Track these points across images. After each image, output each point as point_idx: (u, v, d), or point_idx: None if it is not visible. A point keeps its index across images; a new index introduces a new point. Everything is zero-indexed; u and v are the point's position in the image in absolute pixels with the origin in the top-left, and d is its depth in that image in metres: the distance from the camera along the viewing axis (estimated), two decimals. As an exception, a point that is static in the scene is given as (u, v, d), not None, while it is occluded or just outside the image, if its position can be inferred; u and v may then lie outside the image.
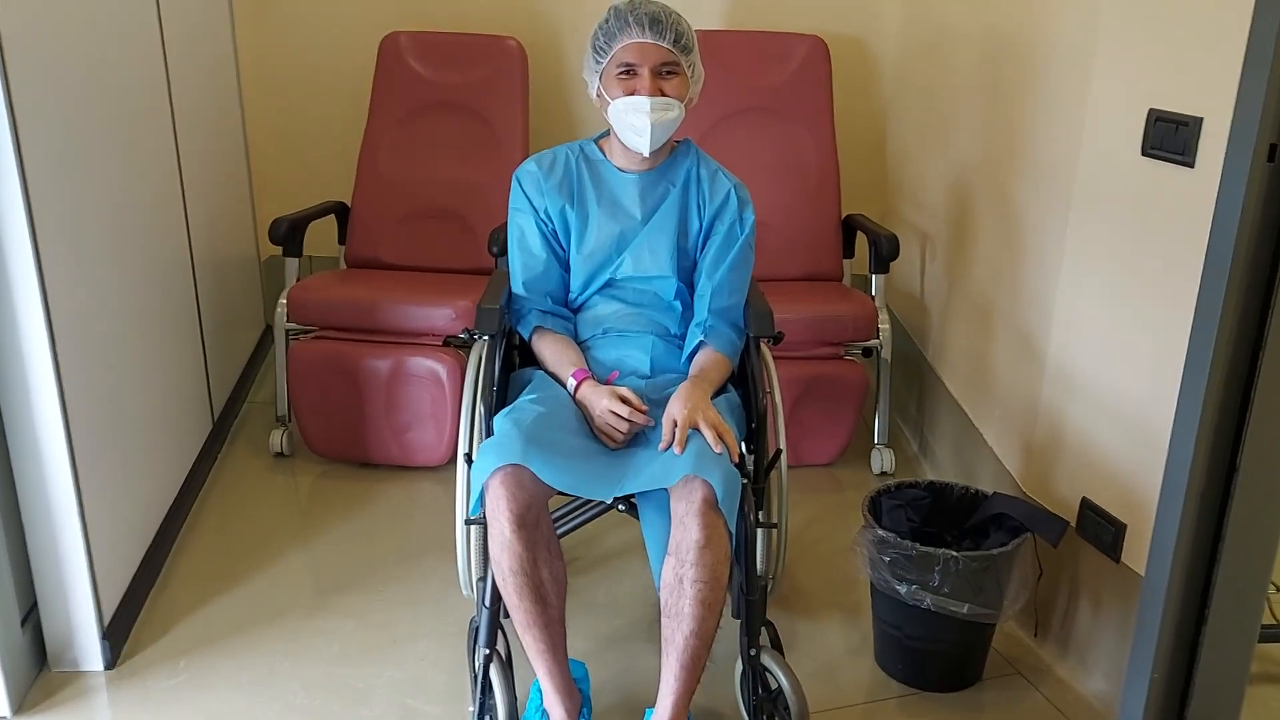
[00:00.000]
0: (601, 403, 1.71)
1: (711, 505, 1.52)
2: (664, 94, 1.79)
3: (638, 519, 1.76)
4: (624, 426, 1.70)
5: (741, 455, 1.72)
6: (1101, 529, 1.88)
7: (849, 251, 2.98)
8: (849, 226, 2.95)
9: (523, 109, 3.00)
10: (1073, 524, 1.95)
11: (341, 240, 3.00)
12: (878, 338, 2.68)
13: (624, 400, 1.70)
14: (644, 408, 1.71)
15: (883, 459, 2.73)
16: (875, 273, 2.77)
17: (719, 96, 2.92)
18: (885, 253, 2.72)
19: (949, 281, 2.69)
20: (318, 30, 3.23)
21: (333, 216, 2.96)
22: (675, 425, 1.63)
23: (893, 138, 3.27)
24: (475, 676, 1.70)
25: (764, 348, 1.94)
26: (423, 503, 2.58)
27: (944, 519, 2.02)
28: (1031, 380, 2.11)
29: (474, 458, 1.68)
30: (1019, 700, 1.93)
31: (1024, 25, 2.22)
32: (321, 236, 2.95)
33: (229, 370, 2.90)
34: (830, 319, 2.65)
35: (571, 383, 1.79)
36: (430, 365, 2.58)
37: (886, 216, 3.21)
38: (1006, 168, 2.28)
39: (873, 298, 2.75)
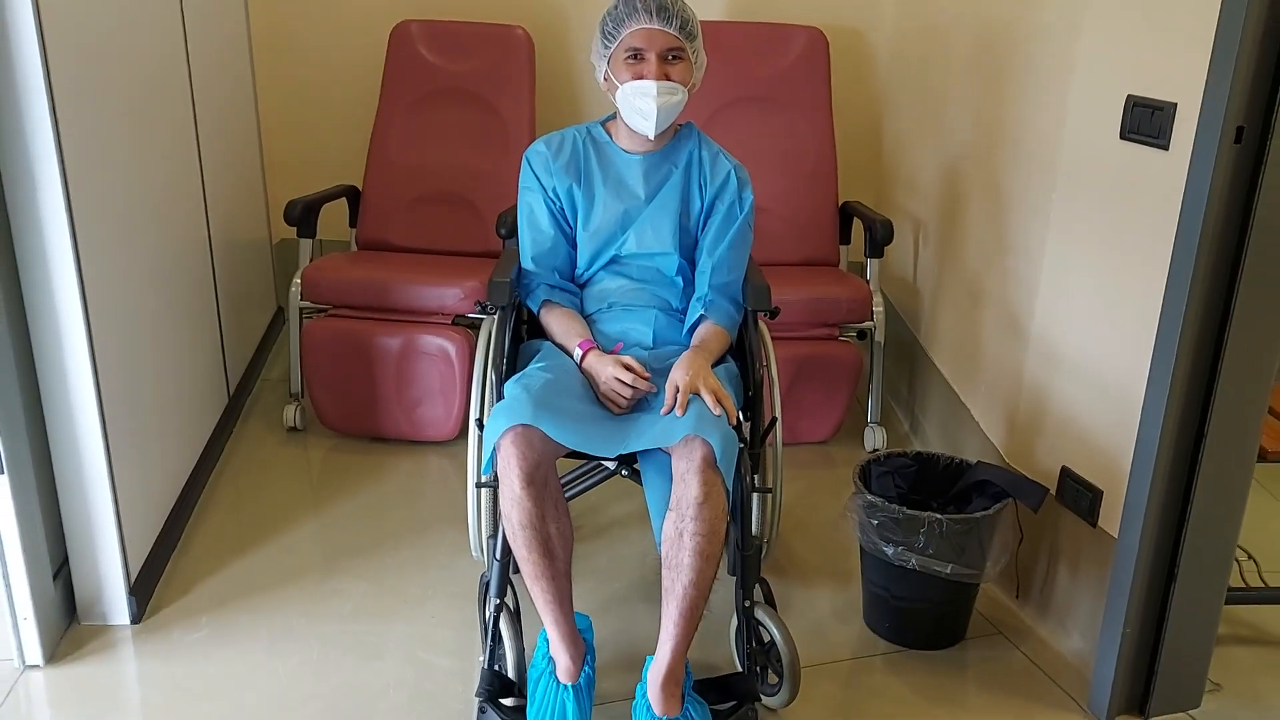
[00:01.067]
0: (606, 370, 1.81)
1: (710, 463, 1.62)
2: (669, 79, 1.88)
3: (640, 484, 1.86)
4: (628, 392, 1.79)
5: (739, 421, 1.82)
6: (1080, 495, 1.97)
7: (845, 237, 3.08)
8: (845, 213, 3.04)
9: (529, 96, 3.09)
10: (1053, 491, 2.04)
11: (352, 223, 3.09)
12: (871, 320, 2.78)
13: (628, 368, 1.80)
14: (647, 374, 1.81)
15: (875, 437, 2.83)
16: (870, 257, 2.86)
17: (720, 86, 3.01)
18: (880, 237, 2.81)
19: (940, 265, 2.78)
20: (330, 19, 3.32)
21: (344, 200, 3.06)
22: (677, 390, 1.72)
23: (889, 126, 3.36)
24: (486, 628, 1.80)
25: (761, 322, 2.03)
26: (431, 476, 2.67)
27: (930, 487, 2.12)
28: (1016, 356, 2.20)
29: (485, 422, 1.77)
30: (1000, 658, 2.03)
31: (1012, 15, 2.31)
32: (333, 219, 3.04)
33: (243, 348, 3.00)
34: (825, 301, 2.74)
35: (578, 353, 1.88)
36: (439, 343, 2.67)
37: (882, 203, 3.30)
38: (995, 153, 2.37)
39: (867, 281, 2.85)
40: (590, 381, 1.85)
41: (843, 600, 2.20)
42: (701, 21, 1.94)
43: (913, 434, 2.93)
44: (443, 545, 2.34)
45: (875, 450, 2.82)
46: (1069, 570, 2.03)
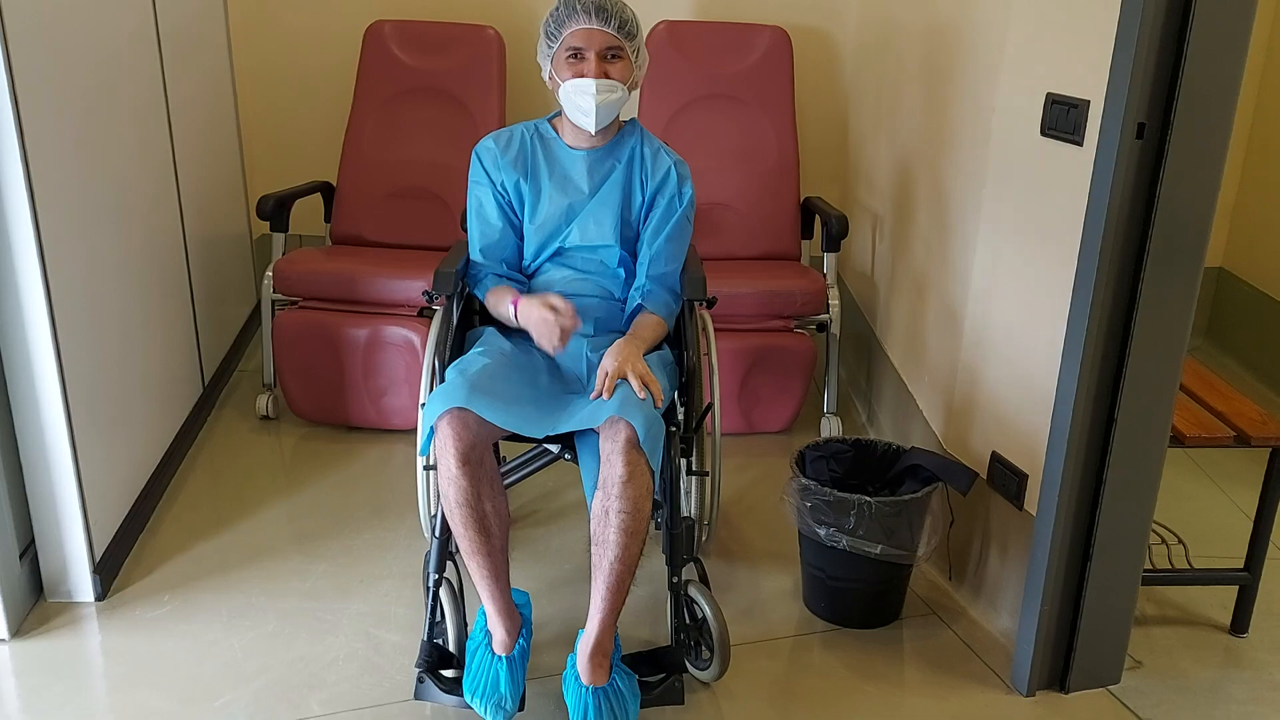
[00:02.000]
0: (535, 312, 1.86)
1: (634, 444, 1.69)
2: (609, 76, 1.95)
3: (582, 467, 1.93)
4: (561, 323, 1.82)
5: (673, 405, 1.89)
6: (1007, 479, 2.04)
7: (808, 232, 3.15)
8: (807, 209, 3.12)
9: (499, 94, 3.16)
10: (984, 476, 2.11)
11: (327, 218, 3.17)
12: (828, 313, 2.85)
13: (551, 307, 1.84)
14: (572, 307, 1.85)
15: (831, 426, 2.90)
16: (827, 251, 2.93)
17: (685, 84, 3.09)
18: (835, 232, 2.88)
19: (893, 259, 2.85)
20: (307, 19, 3.41)
21: (320, 195, 3.14)
22: (606, 375, 1.80)
23: (853, 124, 3.43)
24: (428, 602, 1.87)
25: (702, 312, 2.10)
26: (397, 462, 2.75)
27: (867, 472, 2.19)
28: (952, 346, 2.27)
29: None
30: (931, 636, 2.10)
31: (953, 18, 2.38)
32: (310, 215, 3.13)
33: (219, 340, 3.08)
34: (780, 294, 2.81)
35: (511, 309, 1.94)
36: (405, 334, 2.75)
37: (846, 199, 3.37)
38: (938, 151, 2.44)
39: (825, 275, 2.91)
40: (532, 334, 1.89)
41: (787, 581, 2.27)
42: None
43: (869, 424, 2.99)
44: (402, 528, 2.42)
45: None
46: (999, 552, 2.10)
